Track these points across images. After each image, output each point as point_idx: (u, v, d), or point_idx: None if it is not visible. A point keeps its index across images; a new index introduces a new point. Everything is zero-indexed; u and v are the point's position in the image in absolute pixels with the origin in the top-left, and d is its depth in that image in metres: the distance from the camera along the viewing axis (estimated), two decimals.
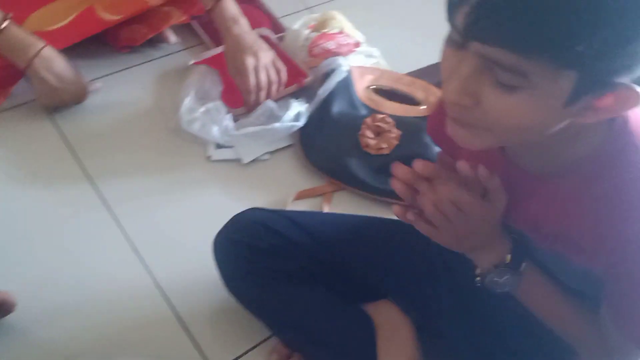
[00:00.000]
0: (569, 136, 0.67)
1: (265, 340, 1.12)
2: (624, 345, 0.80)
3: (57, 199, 1.30)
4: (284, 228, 1.04)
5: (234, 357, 1.10)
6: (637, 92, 0.60)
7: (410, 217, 0.78)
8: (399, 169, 0.76)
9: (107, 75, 1.54)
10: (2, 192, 1.29)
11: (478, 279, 0.84)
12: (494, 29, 0.56)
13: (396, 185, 0.77)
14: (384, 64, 1.63)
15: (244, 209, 1.10)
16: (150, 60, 1.59)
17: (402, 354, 1.01)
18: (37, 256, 1.19)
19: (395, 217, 1.10)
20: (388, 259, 1.06)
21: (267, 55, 1.41)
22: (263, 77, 1.40)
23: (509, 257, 0.80)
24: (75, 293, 1.15)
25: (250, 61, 1.38)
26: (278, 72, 1.44)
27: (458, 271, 0.99)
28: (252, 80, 1.38)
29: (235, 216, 1.08)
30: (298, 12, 1.80)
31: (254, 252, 1.03)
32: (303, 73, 1.52)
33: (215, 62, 1.51)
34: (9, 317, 1.06)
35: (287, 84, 1.47)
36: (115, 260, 1.21)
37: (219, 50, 1.52)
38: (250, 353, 1.11)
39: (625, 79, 0.59)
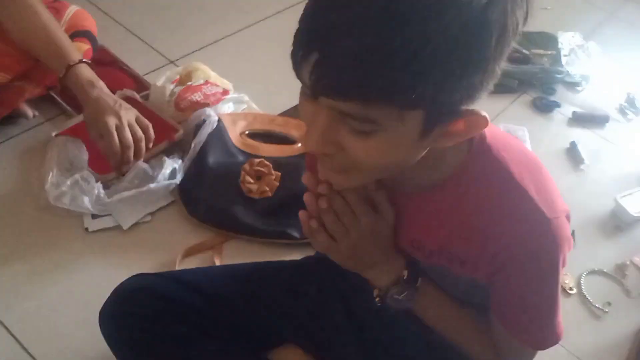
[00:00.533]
0: (433, 158, 0.71)
1: None
2: (517, 350, 0.84)
3: None
4: (170, 291, 1.01)
5: None
6: (483, 116, 0.65)
7: (313, 224, 0.81)
8: (306, 178, 0.81)
9: None
10: None
11: (377, 299, 0.86)
12: (335, 85, 0.60)
13: (306, 198, 0.81)
14: (255, 108, 1.65)
15: (128, 276, 1.05)
16: (11, 138, 1.51)
17: None
18: None
19: (285, 259, 1.12)
20: (283, 301, 1.05)
21: (129, 113, 1.35)
22: (127, 135, 1.32)
23: (405, 272, 0.84)
24: None
25: (112, 121, 1.30)
26: (145, 129, 1.37)
27: (354, 299, 1.00)
28: (115, 140, 1.30)
29: (117, 287, 1.02)
30: (161, 67, 1.78)
31: (141, 321, 0.98)
32: (173, 128, 1.50)
33: (78, 131, 1.45)
34: None
35: (158, 141, 1.42)
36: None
37: (81, 118, 1.47)
38: None
39: (471, 105, 0.64)
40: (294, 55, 0.61)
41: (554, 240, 0.74)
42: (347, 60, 0.57)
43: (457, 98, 0.61)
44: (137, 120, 1.37)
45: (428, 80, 0.57)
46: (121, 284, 1.03)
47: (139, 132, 1.35)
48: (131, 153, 1.33)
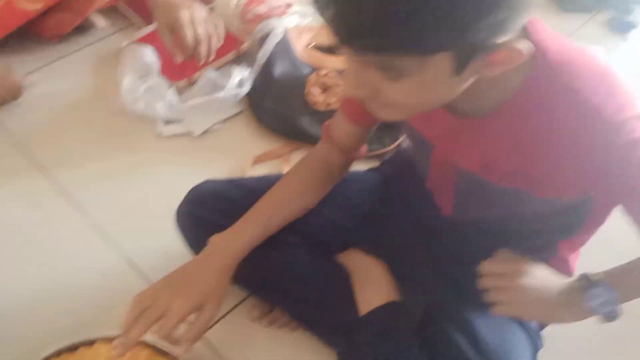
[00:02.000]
0: (488, 82, 0.68)
1: (244, 299, 1.13)
2: None
3: (15, 196, 1.28)
4: (238, 195, 1.04)
5: (215, 320, 1.10)
6: (521, 48, 0.62)
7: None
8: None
9: (41, 67, 1.50)
10: None
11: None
12: (351, 39, 0.60)
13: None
14: (319, 22, 1.63)
15: (200, 181, 1.10)
16: (84, 47, 1.56)
17: (379, 289, 1.02)
18: (4, 254, 1.18)
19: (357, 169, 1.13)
20: (350, 208, 1.07)
21: (201, 10, 1.35)
22: (201, 30, 1.32)
23: (584, 281, 0.78)
24: (45, 283, 1.13)
25: (185, 14, 1.30)
26: (215, 27, 1.37)
27: (423, 209, 1.02)
28: (189, 33, 1.30)
29: (191, 190, 1.08)
30: None
31: (211, 224, 1.02)
32: (239, 40, 1.51)
33: (149, 39, 1.48)
34: None
35: (224, 52, 1.45)
36: (83, 246, 1.20)
37: (151, 28, 1.50)
38: (230, 314, 1.12)
39: (508, 36, 0.61)
40: (314, 3, 0.61)
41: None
42: (361, 16, 0.57)
43: (484, 36, 0.59)
44: (209, 17, 1.36)
45: (440, 28, 0.56)
46: (194, 188, 1.08)
47: (211, 28, 1.35)
48: (203, 48, 1.34)
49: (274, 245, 1.00)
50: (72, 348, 0.99)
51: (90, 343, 1.00)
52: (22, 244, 1.20)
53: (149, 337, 1.00)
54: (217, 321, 1.11)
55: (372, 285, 1.03)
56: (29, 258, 1.17)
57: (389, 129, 1.40)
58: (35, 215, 1.25)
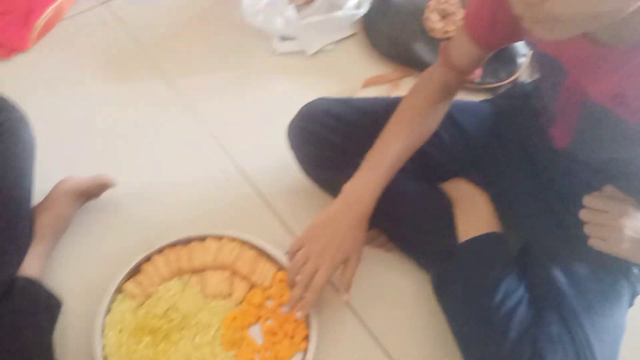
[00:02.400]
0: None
1: None
2: None
3: (137, 96, 1.37)
4: (348, 114, 1.06)
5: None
6: None
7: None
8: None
9: None
10: (91, 90, 1.38)
11: None
12: None
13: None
14: None
15: (312, 99, 1.12)
16: None
17: (481, 219, 1.03)
18: (127, 146, 1.28)
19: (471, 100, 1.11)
20: (458, 135, 1.07)
21: None
22: None
23: None
24: (162, 180, 1.22)
25: None
26: None
27: (533, 143, 1.00)
28: None
29: (304, 106, 1.11)
30: None
31: (322, 140, 1.06)
32: None
33: None
34: (109, 194, 1.15)
35: None
36: (199, 150, 1.28)
37: None
38: None
39: None
40: None
41: None
42: None
43: None
44: None
45: None
46: (307, 104, 1.11)
47: None
48: None
49: None
50: (186, 241, 1.08)
51: (202, 239, 1.08)
52: (141, 142, 1.29)
53: (255, 239, 1.08)
54: None
55: (474, 214, 1.04)
56: (147, 155, 1.27)
57: (506, 63, 1.36)
58: (155, 117, 1.33)
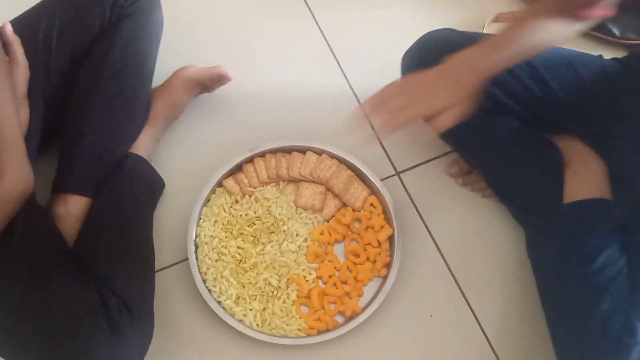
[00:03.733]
0: None
1: (446, 153, 1.15)
2: None
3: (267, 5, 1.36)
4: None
5: (415, 164, 1.15)
6: None
7: None
8: None
9: None
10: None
11: None
12: None
13: None
14: None
15: (438, 24, 1.07)
16: None
17: (592, 182, 0.98)
18: (246, 44, 1.29)
19: (594, 53, 1.03)
20: (579, 89, 1.00)
21: None
22: None
23: None
24: (275, 85, 1.24)
25: None
26: None
27: None
28: None
29: (424, 35, 1.06)
30: None
31: None
32: None
33: None
34: (222, 91, 1.17)
35: None
36: (315, 62, 1.28)
37: None
38: (430, 163, 1.16)
39: None
40: None
41: None
42: None
43: None
44: None
45: None
46: (427, 34, 1.06)
47: None
48: None
49: (490, 106, 0.99)
50: (288, 150, 1.10)
51: (303, 150, 1.10)
52: (262, 45, 1.29)
53: (353, 159, 1.08)
54: (414, 167, 1.15)
55: (586, 177, 0.99)
56: (266, 59, 1.27)
57: None
58: (280, 21, 1.32)
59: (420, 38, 1.07)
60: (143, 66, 1.05)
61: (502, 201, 1.08)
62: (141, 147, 1.06)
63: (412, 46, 1.07)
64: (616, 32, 1.27)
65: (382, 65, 1.20)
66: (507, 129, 1.03)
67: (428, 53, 1.04)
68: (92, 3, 1.02)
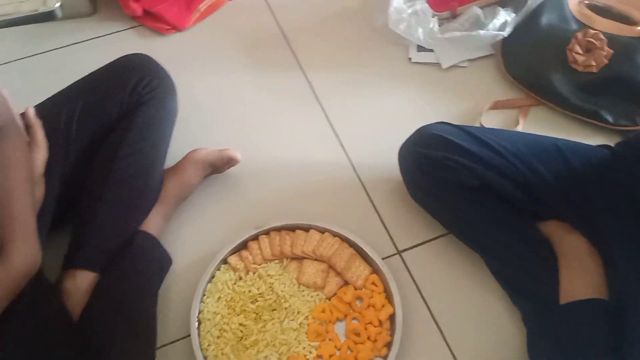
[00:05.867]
0: None
1: (446, 234, 1.18)
2: None
3: (274, 81, 1.45)
4: (468, 143, 1.05)
5: (416, 243, 1.18)
6: None
7: None
8: None
9: None
10: (234, 70, 1.48)
11: None
12: None
13: None
14: None
15: (436, 114, 1.14)
16: None
17: (589, 282, 0.97)
18: (255, 127, 1.37)
19: (586, 142, 1.07)
20: (564, 180, 1.03)
21: None
22: None
23: None
24: (281, 163, 1.30)
25: None
26: None
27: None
28: None
29: (420, 128, 1.12)
30: None
31: (430, 164, 1.06)
32: None
33: None
34: (231, 171, 1.25)
35: None
36: (319, 144, 1.34)
37: None
38: (432, 242, 1.18)
39: None
40: None
41: None
42: None
43: None
44: None
45: None
46: (424, 127, 1.12)
47: None
48: None
49: (483, 188, 1.03)
50: (292, 228, 1.14)
51: (306, 228, 1.13)
52: (269, 125, 1.37)
53: (354, 237, 1.11)
54: (416, 246, 1.18)
55: (583, 275, 0.98)
56: (272, 138, 1.34)
57: None
58: (286, 103, 1.41)
59: (415, 132, 1.12)
60: (157, 150, 1.11)
61: (500, 282, 1.09)
62: (152, 224, 1.10)
63: (408, 139, 1.13)
64: (610, 119, 1.32)
65: (383, 150, 1.27)
66: (497, 213, 1.06)
67: (423, 146, 1.09)
68: (112, 91, 1.10)
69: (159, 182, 1.13)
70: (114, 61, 1.15)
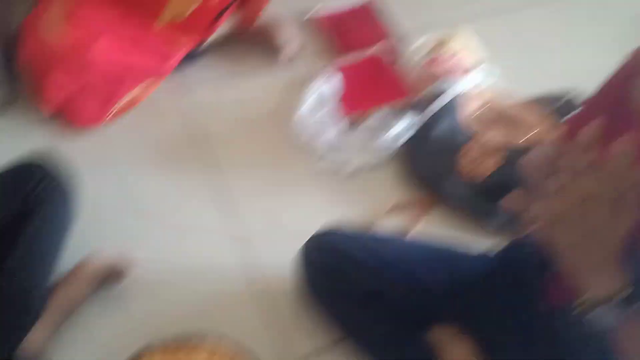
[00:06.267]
0: None
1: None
2: None
3: (185, 183, 1.48)
4: (358, 252, 1.10)
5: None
6: None
7: (537, 208, 0.67)
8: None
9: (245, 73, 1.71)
10: (144, 172, 1.49)
11: (579, 309, 0.70)
12: None
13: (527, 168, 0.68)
14: (501, 85, 1.63)
15: (338, 216, 1.21)
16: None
17: None
18: (152, 232, 1.38)
19: (480, 241, 1.12)
20: (449, 287, 1.08)
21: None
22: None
23: (629, 290, 0.67)
24: (178, 270, 1.32)
25: None
26: None
27: (531, 305, 0.98)
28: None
29: (315, 235, 1.17)
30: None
31: (323, 271, 1.12)
32: (404, 92, 1.60)
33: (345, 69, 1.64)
34: (127, 281, 1.24)
35: (387, 99, 1.57)
36: (220, 249, 1.37)
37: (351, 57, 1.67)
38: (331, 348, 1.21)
39: None
40: None
41: None
42: None
43: None
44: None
45: None
46: (318, 234, 1.17)
47: None
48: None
49: (367, 304, 1.08)
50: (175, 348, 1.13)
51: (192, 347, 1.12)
52: (173, 228, 1.39)
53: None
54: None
55: None
56: (173, 243, 1.37)
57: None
58: (194, 206, 1.44)
59: (312, 236, 1.17)
60: (40, 265, 1.11)
61: None
62: (33, 341, 1.08)
63: (305, 243, 1.17)
64: (494, 225, 1.39)
65: (289, 250, 1.25)
66: (377, 329, 1.11)
67: (315, 254, 1.15)
68: (7, 194, 1.12)
69: (40, 302, 1.11)
70: (14, 166, 1.16)
